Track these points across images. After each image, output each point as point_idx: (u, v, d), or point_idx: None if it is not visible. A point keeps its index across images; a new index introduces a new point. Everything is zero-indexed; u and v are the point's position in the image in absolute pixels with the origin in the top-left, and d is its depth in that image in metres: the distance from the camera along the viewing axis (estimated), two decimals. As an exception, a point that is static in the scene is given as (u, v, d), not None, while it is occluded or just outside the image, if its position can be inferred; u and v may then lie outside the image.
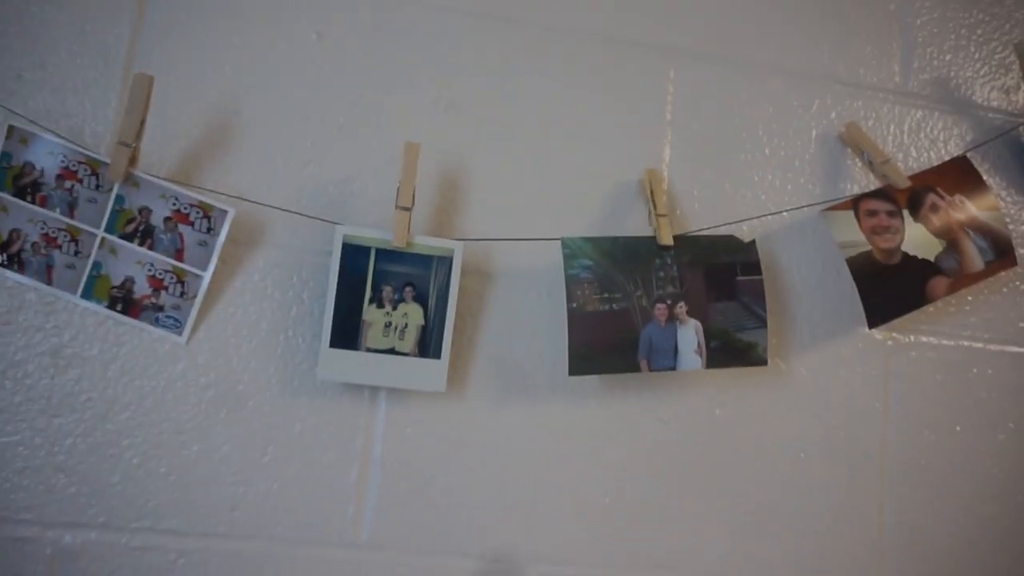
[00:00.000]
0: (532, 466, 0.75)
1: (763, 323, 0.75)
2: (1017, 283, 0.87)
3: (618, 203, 0.80)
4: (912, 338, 0.84)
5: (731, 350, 0.74)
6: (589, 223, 0.79)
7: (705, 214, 0.81)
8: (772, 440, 0.80)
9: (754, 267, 0.76)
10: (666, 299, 0.74)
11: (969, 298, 0.86)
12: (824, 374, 0.82)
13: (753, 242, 0.77)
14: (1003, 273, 0.84)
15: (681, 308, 0.74)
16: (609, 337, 0.72)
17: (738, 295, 0.75)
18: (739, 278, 0.76)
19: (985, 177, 0.86)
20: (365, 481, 0.72)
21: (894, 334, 0.84)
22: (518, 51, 0.80)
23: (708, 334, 0.74)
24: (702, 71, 0.83)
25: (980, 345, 0.86)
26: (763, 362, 0.75)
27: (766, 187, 0.83)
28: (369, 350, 0.70)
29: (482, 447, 0.74)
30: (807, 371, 0.82)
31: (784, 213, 0.82)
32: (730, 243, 0.77)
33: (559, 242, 0.73)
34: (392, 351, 0.70)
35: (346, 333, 0.69)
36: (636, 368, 0.72)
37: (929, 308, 0.83)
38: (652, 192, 0.77)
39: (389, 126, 0.76)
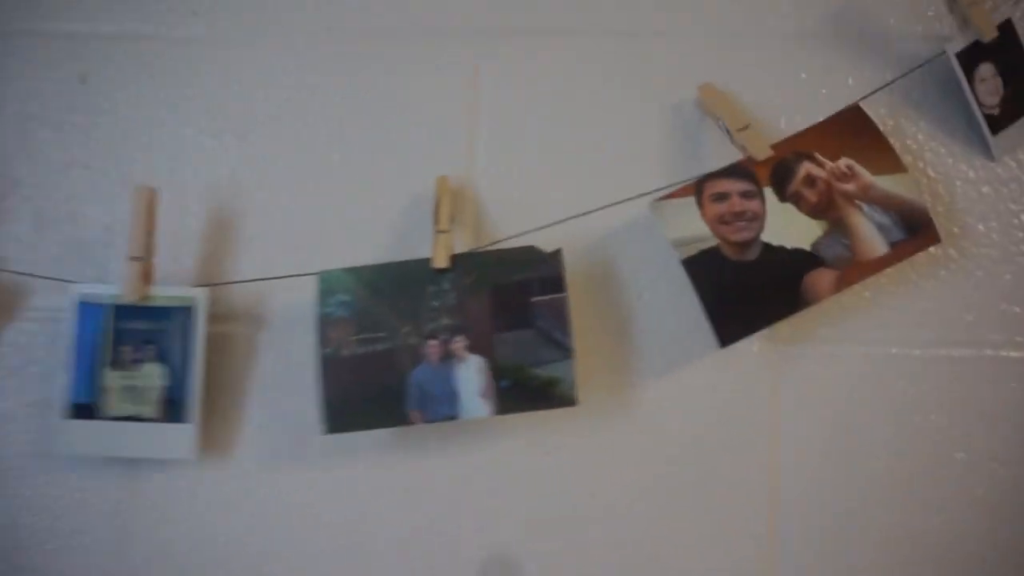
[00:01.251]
0: (305, 537, 0.65)
1: (566, 352, 0.60)
2: (949, 265, 0.65)
3: (415, 222, 0.68)
4: (805, 348, 0.65)
5: (527, 389, 0.60)
6: (383, 248, 0.67)
7: (521, 221, 0.66)
8: (625, 491, 0.65)
9: (555, 283, 0.61)
10: (439, 333, 0.61)
11: (881, 292, 0.65)
12: (687, 403, 0.65)
13: (557, 252, 0.62)
14: (923, 254, 0.63)
15: (459, 343, 0.61)
16: (371, 385, 0.61)
17: (534, 320, 0.61)
18: (535, 299, 0.61)
19: (900, 125, 0.65)
20: (124, 560, 0.65)
21: (780, 345, 0.66)
22: (290, 60, 0.70)
23: (496, 371, 0.60)
24: (516, 48, 0.69)
25: (897, 350, 0.65)
26: (571, 401, 0.60)
27: (602, 179, 0.67)
28: (111, 418, 0.63)
29: (247, 518, 0.65)
30: (664, 401, 0.65)
31: (621, 207, 0.66)
32: (525, 256, 0.62)
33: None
34: (135, 418, 0.63)
35: (86, 402, 0.63)
36: (406, 420, 0.60)
37: (825, 308, 0.64)
38: (438, 204, 0.64)
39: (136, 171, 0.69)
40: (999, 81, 0.65)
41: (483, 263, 0.62)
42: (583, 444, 0.65)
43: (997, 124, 0.66)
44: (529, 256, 0.62)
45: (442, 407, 0.60)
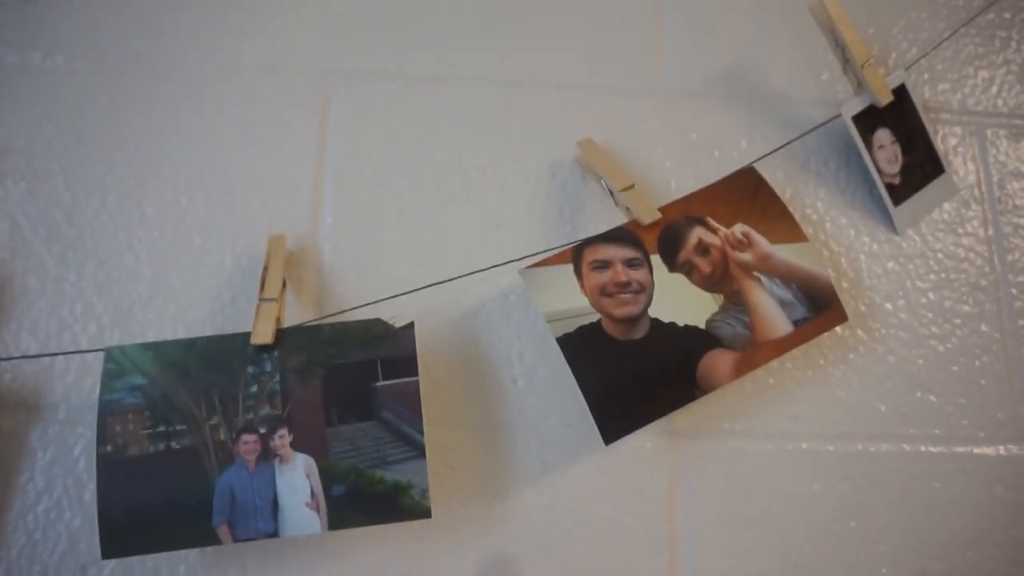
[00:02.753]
0: None
1: (418, 450, 0.49)
2: (858, 347, 0.58)
3: (245, 288, 0.56)
4: (706, 443, 0.56)
5: (368, 498, 0.48)
6: (203, 323, 0.55)
7: (372, 289, 0.56)
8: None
9: (406, 364, 0.50)
10: (257, 426, 0.48)
11: (787, 377, 0.57)
12: (569, 511, 0.54)
13: (409, 326, 0.51)
14: (830, 334, 0.56)
15: (282, 439, 0.48)
16: (166, 494, 0.47)
17: (378, 410, 0.50)
18: (380, 384, 0.50)
19: (799, 192, 0.59)
20: None
21: (678, 440, 0.56)
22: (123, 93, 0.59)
23: (329, 475, 0.48)
24: (374, 92, 0.61)
25: (808, 445, 0.56)
26: (423, 512, 0.48)
27: (469, 242, 0.58)
28: None
29: None
30: (542, 509, 0.54)
31: (491, 274, 0.57)
32: (369, 331, 0.51)
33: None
34: None
35: None
36: (213, 539, 0.47)
37: (726, 396, 0.55)
38: (265, 267, 0.53)
39: None
40: (898, 148, 0.61)
41: (316, 339, 0.51)
42: (443, 566, 0.52)
43: (898, 194, 0.61)
44: (374, 331, 0.51)
45: (258, 521, 0.47)
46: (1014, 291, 0.61)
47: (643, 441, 0.55)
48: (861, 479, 0.56)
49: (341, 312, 0.53)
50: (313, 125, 0.60)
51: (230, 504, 0.47)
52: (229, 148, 0.59)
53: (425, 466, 0.48)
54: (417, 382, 0.50)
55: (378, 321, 0.52)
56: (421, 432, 0.49)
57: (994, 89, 0.66)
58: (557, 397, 0.55)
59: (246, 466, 0.48)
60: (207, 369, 0.49)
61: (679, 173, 0.60)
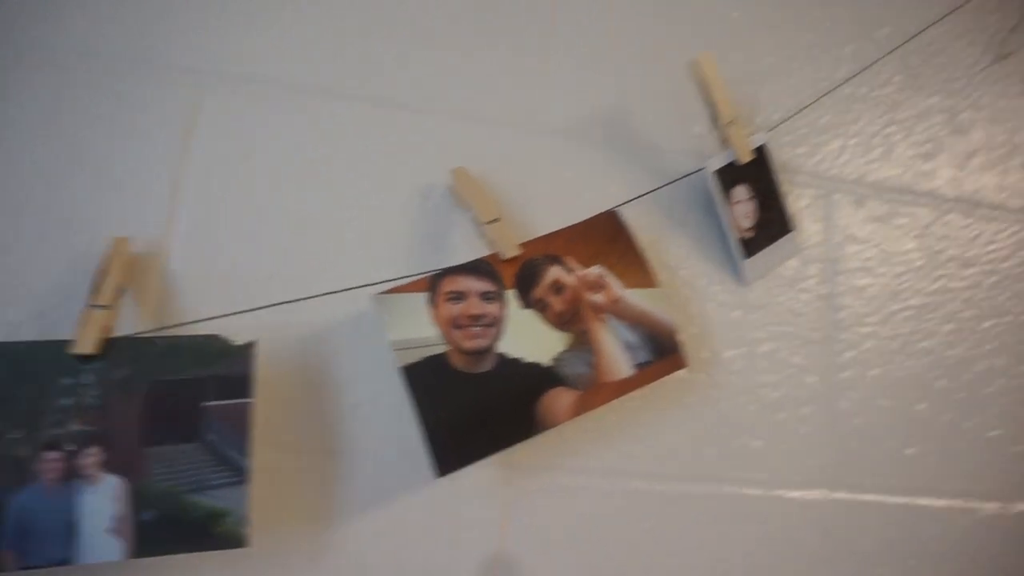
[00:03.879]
0: None
1: (240, 475, 0.47)
2: (696, 392, 0.61)
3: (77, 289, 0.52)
4: (542, 479, 0.57)
5: (180, 524, 0.46)
6: (24, 321, 0.51)
7: (220, 302, 0.53)
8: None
9: (240, 384, 0.48)
10: (63, 442, 0.45)
11: (628, 417, 0.59)
12: (400, 542, 0.54)
13: (249, 345, 0.49)
14: (673, 378, 0.58)
15: (91, 457, 0.45)
16: (-55, 513, 0.43)
17: (203, 431, 0.47)
18: (209, 403, 0.48)
19: (661, 239, 0.61)
20: None
21: (514, 475, 0.57)
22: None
23: (139, 499, 0.45)
24: (243, 96, 0.58)
25: (640, 484, 0.59)
26: (238, 541, 0.46)
27: (326, 261, 0.57)
28: None
29: None
30: (371, 540, 0.53)
31: (344, 297, 0.55)
32: (205, 347, 0.49)
33: None
34: None
35: None
36: (-4, 564, 0.43)
37: (565, 434, 0.57)
38: (103, 271, 0.50)
39: None
40: (754, 204, 0.64)
41: (148, 352, 0.48)
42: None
43: (750, 248, 0.65)
44: (212, 347, 0.49)
45: (51, 547, 0.44)
46: (839, 347, 0.66)
47: (478, 474, 0.56)
48: (686, 519, 0.59)
49: (180, 325, 0.50)
50: (179, 126, 0.56)
51: (19, 527, 0.44)
52: (85, 139, 0.54)
53: (246, 492, 0.46)
54: (249, 404, 0.48)
55: (216, 337, 0.49)
56: (246, 456, 0.47)
57: (844, 157, 0.71)
58: (397, 426, 0.55)
59: (46, 486, 0.44)
60: (16, 378, 0.46)
61: (548, 211, 0.60)
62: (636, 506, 0.58)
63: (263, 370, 0.49)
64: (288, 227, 0.56)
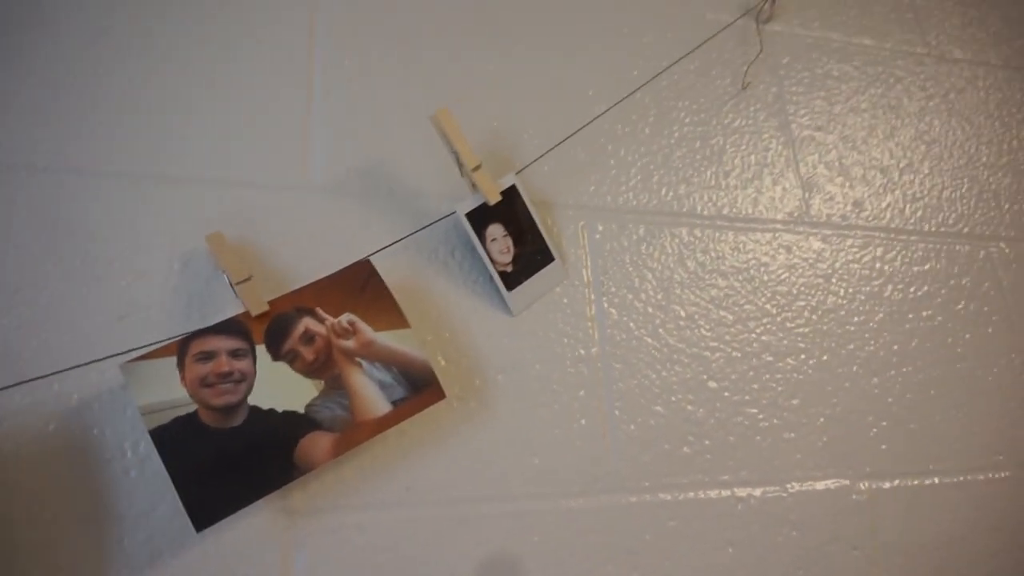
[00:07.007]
0: None
1: (-25, 558, 0.48)
2: (473, 418, 0.65)
3: None
4: (322, 519, 0.59)
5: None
6: None
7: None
8: None
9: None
10: None
11: (406, 450, 0.62)
12: (174, 601, 0.55)
13: (-14, 427, 0.51)
14: (449, 409, 0.62)
15: None
16: None
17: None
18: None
19: (424, 281, 0.66)
20: None
21: (294, 518, 0.59)
22: None
23: None
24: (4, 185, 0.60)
25: (423, 512, 0.62)
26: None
27: (88, 330, 0.59)
28: None
29: None
30: (146, 601, 0.54)
31: (107, 364, 0.57)
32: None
33: None
34: None
35: None
36: None
37: (343, 473, 0.59)
38: None
39: None
40: (509, 241, 0.70)
41: None
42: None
43: (512, 280, 0.70)
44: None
45: None
46: (609, 360, 0.71)
47: (254, 522, 0.58)
48: (473, 541, 0.62)
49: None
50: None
51: None
52: None
53: (-13, 573, 0.47)
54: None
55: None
56: (-16, 538, 0.48)
57: (604, 187, 0.78)
58: (168, 487, 0.56)
59: None
60: None
61: (308, 265, 0.64)
62: (423, 534, 0.61)
63: (29, 446, 0.51)
64: (51, 300, 0.58)
